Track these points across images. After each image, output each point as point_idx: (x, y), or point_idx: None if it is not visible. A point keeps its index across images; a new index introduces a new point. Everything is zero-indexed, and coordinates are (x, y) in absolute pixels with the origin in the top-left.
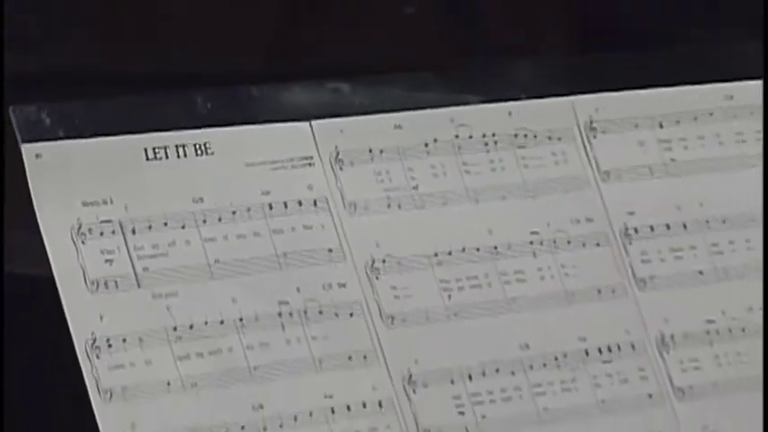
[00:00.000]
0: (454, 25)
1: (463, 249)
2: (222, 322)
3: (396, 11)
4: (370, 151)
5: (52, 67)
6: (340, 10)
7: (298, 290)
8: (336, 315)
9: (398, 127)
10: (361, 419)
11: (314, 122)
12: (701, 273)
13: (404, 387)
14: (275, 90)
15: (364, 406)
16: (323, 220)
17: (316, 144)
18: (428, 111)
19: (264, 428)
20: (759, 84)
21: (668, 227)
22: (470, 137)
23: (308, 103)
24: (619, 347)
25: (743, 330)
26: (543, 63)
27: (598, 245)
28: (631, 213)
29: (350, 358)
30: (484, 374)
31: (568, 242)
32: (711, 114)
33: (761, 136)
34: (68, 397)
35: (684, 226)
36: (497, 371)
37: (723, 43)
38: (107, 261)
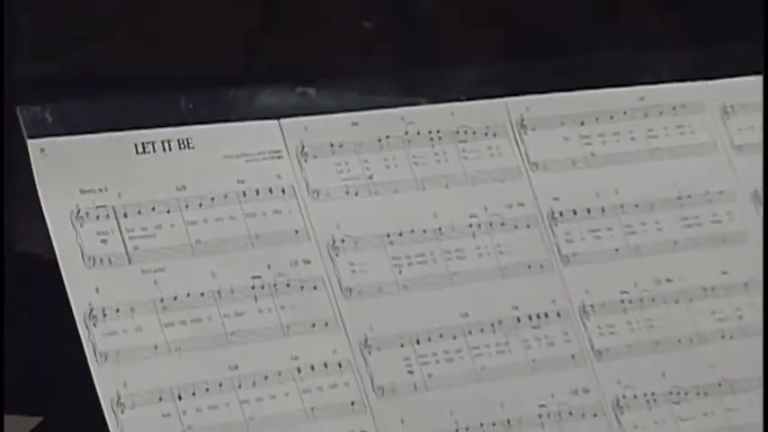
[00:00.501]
0: (405, 38)
1: (412, 231)
2: (203, 294)
3: (355, 25)
4: (332, 146)
5: (53, 72)
6: (308, 24)
7: (268, 266)
8: (302, 288)
9: (355, 124)
10: (323, 378)
11: (282, 121)
12: (616, 250)
13: (360, 350)
14: (249, 93)
15: (326, 366)
16: (290, 205)
17: (284, 139)
18: (382, 111)
19: (239, 386)
20: (667, 86)
21: (588, 211)
22: (418, 133)
23: (278, 104)
24: (546, 315)
25: (652, 300)
26: (481, 69)
27: (528, 226)
28: (556, 199)
29: (313, 325)
30: (429, 339)
31: (502, 224)
32: (625, 113)
33: (669, 132)
34: (70, 360)
35: (603, 210)
36: (441, 336)
37: (636, 51)
38: (102, 241)
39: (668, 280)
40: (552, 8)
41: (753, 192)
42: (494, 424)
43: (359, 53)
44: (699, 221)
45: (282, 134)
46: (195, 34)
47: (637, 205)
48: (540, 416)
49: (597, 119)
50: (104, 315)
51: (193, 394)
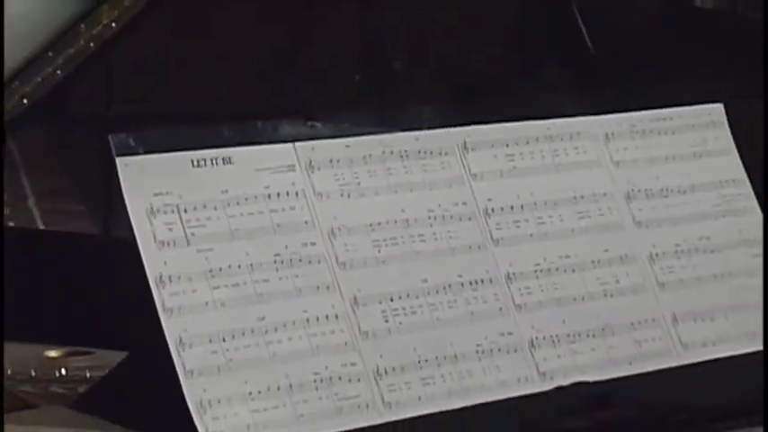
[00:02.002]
0: (383, 86)
1: (387, 222)
2: (239, 266)
3: (349, 77)
4: (331, 161)
5: (138, 110)
6: (316, 78)
7: (286, 247)
8: (309, 262)
9: (348, 147)
10: (325, 326)
11: (296, 144)
12: (531, 235)
13: (351, 306)
14: (274, 124)
15: (327, 318)
16: (301, 204)
17: (297, 157)
18: (366, 137)
19: (266, 332)
20: (566, 120)
21: (512, 207)
22: (392, 153)
23: (294, 133)
24: (482, 281)
25: (556, 270)
26: (437, 108)
27: (470, 219)
28: (490, 200)
29: (317, 288)
30: (400, 298)
31: (451, 217)
32: (537, 139)
33: (568, 152)
34: (149, 313)
35: (522, 207)
36: (408, 296)
37: (546, 94)
38: (168, 229)
39: (566, 256)
40: (492, 68)
41: (625, 193)
42: (445, 357)
43: (351, 97)
44: (589, 215)
45: (296, 153)
46: (237, 83)
47: (545, 203)
48: (476, 352)
49: (518, 143)
50: (170, 281)
51: (233, 337)
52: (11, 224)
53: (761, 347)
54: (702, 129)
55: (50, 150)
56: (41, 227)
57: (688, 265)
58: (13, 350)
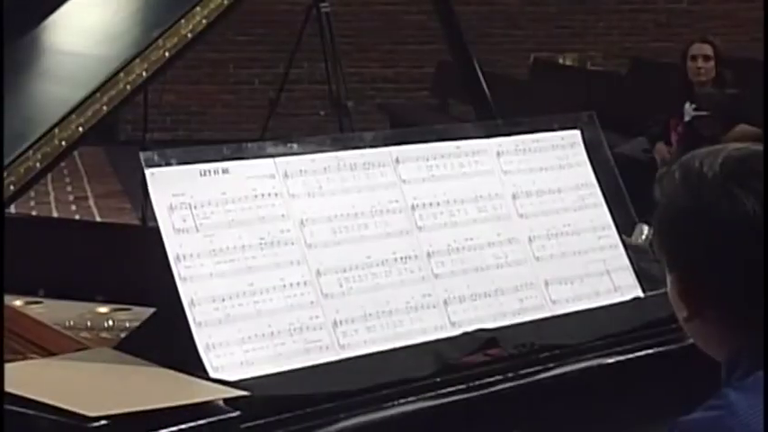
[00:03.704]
0: (342, 120)
1: (341, 215)
2: (234, 247)
3: (316, 114)
4: (300, 171)
5: (162, 135)
6: (291, 114)
7: (268, 233)
8: (285, 244)
9: (313, 161)
10: (297, 290)
11: (276, 159)
12: (444, 225)
13: (315, 276)
14: (260, 146)
15: (298, 284)
16: (279, 201)
17: (276, 168)
18: (327, 154)
19: (254, 294)
20: (468, 141)
21: (431, 204)
22: (345, 165)
23: (276, 152)
24: (410, 257)
25: (463, 249)
26: (377, 133)
27: (401, 212)
28: (416, 199)
29: (291, 263)
30: (351, 269)
31: (387, 211)
32: (449, 155)
33: (471, 164)
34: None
35: (438, 204)
36: (357, 267)
37: (455, 123)
38: (183, 220)
39: (470, 239)
40: (418, 107)
41: (512, 194)
42: (383, 312)
43: (317, 126)
44: (486, 209)
45: (276, 166)
46: (234, 117)
47: (455, 201)
48: (406, 308)
49: (435, 158)
50: (184, 258)
51: (230, 298)
52: (77, 217)
53: (604, 303)
54: (566, 148)
55: (104, 164)
56: (98, 219)
57: (556, 244)
58: (74, 307)
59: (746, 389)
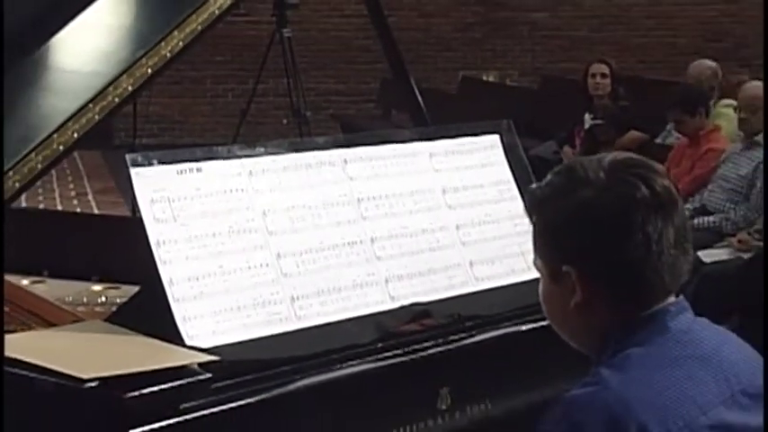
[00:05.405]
0: (300, 126)
1: (298, 206)
2: (206, 235)
3: (279, 123)
4: (263, 171)
5: (150, 140)
6: (260, 123)
7: (236, 222)
8: (250, 232)
9: (275, 161)
10: (260, 270)
11: (243, 160)
12: (386, 214)
13: (276, 259)
14: (230, 149)
15: (261, 266)
16: (245, 196)
17: (243, 168)
18: (285, 155)
19: (223, 274)
20: (408, 144)
21: (374, 197)
22: (301, 165)
23: (246, 154)
24: (356, 242)
25: (402, 236)
26: (328, 138)
27: (349, 204)
28: (361, 193)
29: (255, 248)
30: (307, 252)
31: (337, 203)
32: (390, 157)
33: (409, 165)
34: (152, 266)
35: (380, 197)
36: (314, 250)
37: (398, 130)
38: (163, 212)
39: (407, 227)
40: (363, 116)
41: (442, 189)
42: (334, 289)
43: (279, 132)
44: (420, 202)
45: (242, 166)
46: (211, 125)
47: (394, 195)
48: (353, 286)
49: (378, 159)
50: (164, 243)
51: (203, 278)
52: (78, 210)
53: (519, 280)
54: (487, 150)
55: (101, 165)
56: (96, 212)
57: (479, 231)
58: (73, 286)
59: (615, 366)
